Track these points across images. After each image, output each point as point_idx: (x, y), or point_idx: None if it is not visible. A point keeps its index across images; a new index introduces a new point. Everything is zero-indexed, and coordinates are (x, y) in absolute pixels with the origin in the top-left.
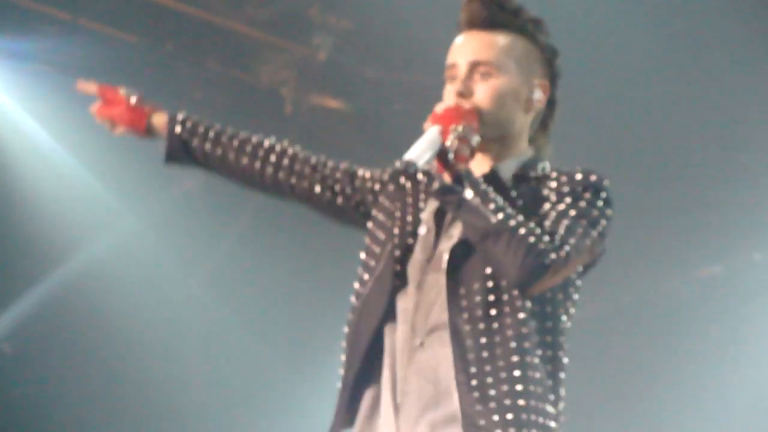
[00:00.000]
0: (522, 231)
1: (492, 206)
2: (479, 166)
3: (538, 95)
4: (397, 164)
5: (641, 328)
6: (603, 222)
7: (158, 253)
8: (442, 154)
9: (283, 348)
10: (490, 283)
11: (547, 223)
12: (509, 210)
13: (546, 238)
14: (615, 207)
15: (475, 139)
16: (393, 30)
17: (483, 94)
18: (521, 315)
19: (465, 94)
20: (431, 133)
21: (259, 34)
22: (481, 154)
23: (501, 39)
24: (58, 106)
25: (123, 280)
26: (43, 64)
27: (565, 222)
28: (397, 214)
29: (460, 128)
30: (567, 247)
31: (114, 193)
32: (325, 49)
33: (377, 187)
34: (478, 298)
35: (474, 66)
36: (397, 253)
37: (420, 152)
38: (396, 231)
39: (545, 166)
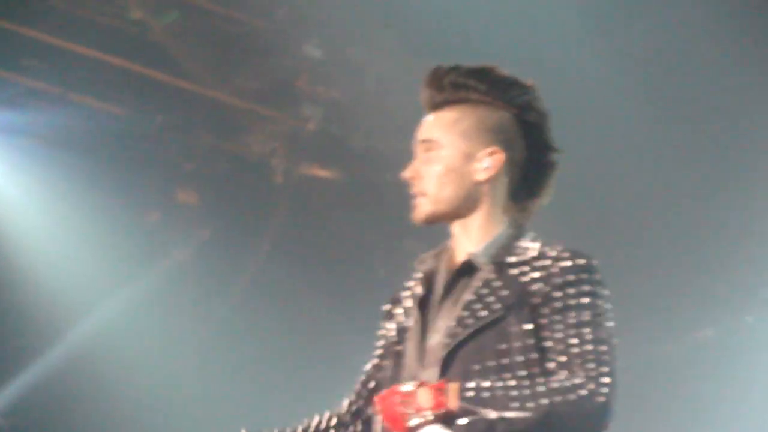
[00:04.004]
0: (558, 398)
1: (515, 404)
2: (461, 251)
3: (487, 163)
4: None
5: (634, 391)
6: (604, 309)
7: (153, 324)
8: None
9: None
10: (480, 382)
11: (560, 346)
12: (527, 389)
13: (577, 380)
14: (606, 282)
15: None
16: (382, 99)
17: (426, 174)
18: None
19: (414, 176)
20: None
21: (249, 106)
22: (461, 236)
23: (450, 115)
24: (49, 180)
25: (119, 353)
26: (33, 138)
27: (579, 339)
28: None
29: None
30: (602, 369)
31: (105, 266)
32: (314, 119)
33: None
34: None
35: (421, 145)
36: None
37: None
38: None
39: (527, 246)
